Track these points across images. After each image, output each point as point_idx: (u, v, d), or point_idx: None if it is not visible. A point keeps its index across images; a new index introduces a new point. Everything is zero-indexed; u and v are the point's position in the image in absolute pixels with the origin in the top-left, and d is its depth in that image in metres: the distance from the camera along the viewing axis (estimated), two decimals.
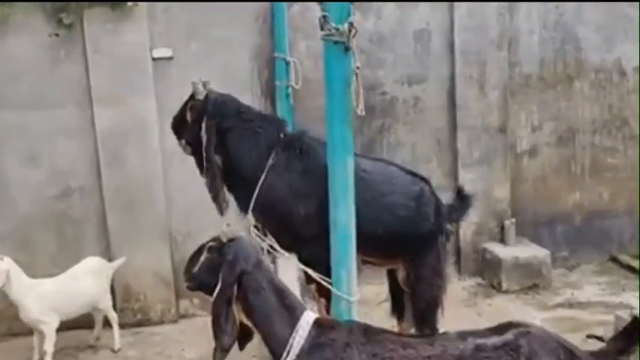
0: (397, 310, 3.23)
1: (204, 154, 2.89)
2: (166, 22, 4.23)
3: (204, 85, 3.01)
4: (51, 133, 4.15)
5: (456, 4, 4.50)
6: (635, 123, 4.96)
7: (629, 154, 5.00)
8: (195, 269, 2.08)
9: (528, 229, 4.88)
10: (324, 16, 2.27)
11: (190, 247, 4.32)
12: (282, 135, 2.96)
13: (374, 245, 2.79)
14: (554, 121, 4.88)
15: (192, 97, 3.04)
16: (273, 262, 3.81)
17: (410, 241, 2.88)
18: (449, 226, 3.09)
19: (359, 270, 2.59)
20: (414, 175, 3.02)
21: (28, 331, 3.76)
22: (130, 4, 4.05)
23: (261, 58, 4.38)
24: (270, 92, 4.38)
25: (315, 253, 2.71)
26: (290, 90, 4.20)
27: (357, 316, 2.58)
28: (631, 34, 4.84)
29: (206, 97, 2.98)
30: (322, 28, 2.30)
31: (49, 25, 4.04)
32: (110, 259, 4.16)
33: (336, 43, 2.28)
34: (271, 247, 2.84)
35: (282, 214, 2.85)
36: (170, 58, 4.24)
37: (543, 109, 4.85)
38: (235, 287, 1.96)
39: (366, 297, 2.72)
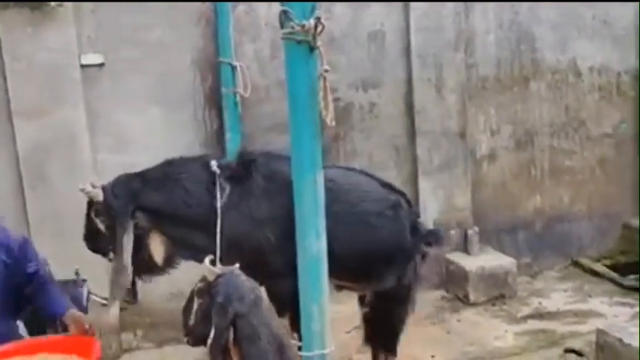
0: (371, 337, 2.93)
1: (114, 247, 2.50)
2: (96, 25, 3.80)
3: (93, 185, 2.66)
4: None
5: (411, 3, 4.26)
6: (591, 124, 4.88)
7: (586, 156, 4.92)
8: (191, 321, 1.70)
9: (490, 236, 4.70)
10: (285, 12, 1.95)
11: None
12: (215, 167, 2.58)
13: (345, 266, 2.48)
14: (512, 125, 4.72)
15: (90, 203, 2.68)
16: None
17: (386, 259, 2.59)
18: (425, 248, 2.83)
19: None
20: (390, 187, 2.74)
21: None
22: (52, 4, 3.59)
23: (205, 64, 4.00)
24: (215, 101, 4.01)
25: (287, 285, 2.37)
26: (238, 97, 3.86)
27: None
28: (584, 33, 4.76)
29: (104, 194, 2.62)
30: (283, 26, 1.98)
31: None
32: None
33: (299, 42, 1.96)
34: None
35: (252, 248, 2.52)
36: (101, 65, 3.80)
37: (501, 112, 4.69)
38: (232, 331, 1.59)
39: (335, 319, 2.39)
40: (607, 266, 4.75)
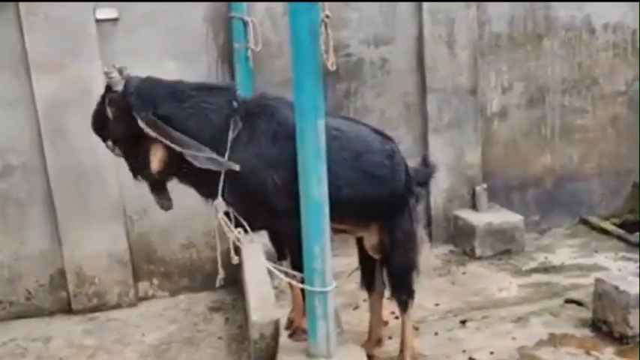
0: (367, 280, 3.06)
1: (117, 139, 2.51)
2: None
3: (121, 71, 2.55)
4: None
5: None
6: (604, 82, 4.86)
7: (598, 115, 4.91)
8: None
9: (499, 193, 4.76)
10: None
11: (147, 225, 4.15)
12: (235, 103, 2.62)
13: (349, 209, 2.57)
14: (524, 82, 4.72)
15: (108, 89, 2.57)
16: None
17: (385, 202, 2.69)
18: (418, 189, 2.91)
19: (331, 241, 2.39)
20: (382, 134, 2.81)
21: None
22: None
23: (217, 19, 4.04)
24: (227, 56, 4.07)
25: (292, 226, 2.44)
26: (249, 52, 3.91)
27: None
28: None
29: (126, 86, 2.52)
30: None
31: None
32: (60, 242, 3.86)
33: None
34: (238, 239, 2.53)
35: (256, 188, 2.53)
36: (115, 20, 3.87)
37: (513, 70, 4.68)
38: None
39: (335, 269, 2.50)
40: (615, 224, 4.80)
